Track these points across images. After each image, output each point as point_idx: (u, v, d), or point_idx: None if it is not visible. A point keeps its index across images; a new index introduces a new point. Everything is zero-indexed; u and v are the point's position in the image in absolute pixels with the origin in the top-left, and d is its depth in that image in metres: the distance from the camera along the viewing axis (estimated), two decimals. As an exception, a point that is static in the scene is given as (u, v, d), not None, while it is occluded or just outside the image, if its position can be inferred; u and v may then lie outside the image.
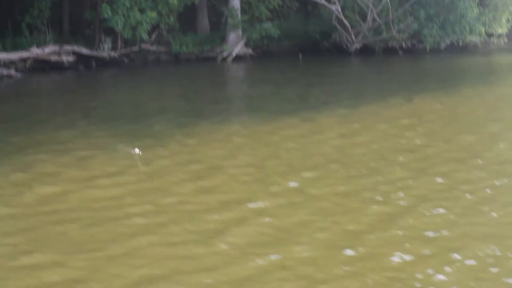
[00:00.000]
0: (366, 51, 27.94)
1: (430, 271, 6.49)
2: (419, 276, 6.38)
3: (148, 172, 10.06)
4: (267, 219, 7.88)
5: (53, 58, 23.04)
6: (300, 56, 26.48)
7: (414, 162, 10.38)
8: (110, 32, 24.08)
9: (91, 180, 9.58)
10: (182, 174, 9.87)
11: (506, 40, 31.22)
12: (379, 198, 8.63)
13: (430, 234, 7.41)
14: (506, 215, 8.00)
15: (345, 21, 27.53)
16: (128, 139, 12.10)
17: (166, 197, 8.77)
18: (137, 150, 10.95)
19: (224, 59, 26.09)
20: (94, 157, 10.91)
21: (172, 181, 9.54)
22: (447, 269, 6.51)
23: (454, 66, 25.09)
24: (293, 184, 9.27)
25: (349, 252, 6.96)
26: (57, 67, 23.04)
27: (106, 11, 23.09)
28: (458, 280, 6.30)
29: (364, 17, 27.91)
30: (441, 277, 6.37)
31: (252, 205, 8.36)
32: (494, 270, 6.52)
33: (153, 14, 23.97)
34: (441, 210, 8.12)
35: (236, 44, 26.46)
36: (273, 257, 6.82)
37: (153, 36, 25.46)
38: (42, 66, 22.93)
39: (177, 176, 9.74)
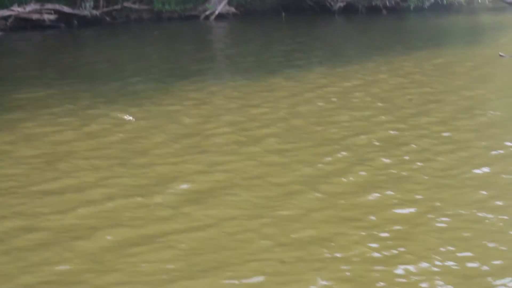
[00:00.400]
0: (349, 9, 27.90)
1: (353, 233, 6.62)
2: (340, 237, 6.53)
3: (116, 130, 10.32)
4: (202, 177, 8.18)
5: (35, 16, 23.08)
6: (283, 14, 26.51)
7: (357, 121, 10.63)
8: (92, -10, 24.12)
9: (57, 137, 9.90)
10: (147, 131, 10.20)
11: (491, -1, 31.24)
12: (320, 157, 8.88)
13: (366, 194, 7.59)
14: (455, 175, 8.23)
15: (329, -21, 27.52)
16: (103, 98, 12.38)
17: (127, 154, 9.09)
18: (130, 117, 11.06)
19: (207, 17, 26.15)
20: (65, 116, 11.14)
21: (137, 137, 9.88)
22: (371, 230, 6.67)
23: (437, 26, 25.12)
24: (233, 145, 9.51)
25: (276, 211, 7.16)
26: (39, 25, 23.07)
27: (87, -31, 23.10)
28: (382, 240, 6.49)
29: (348, -25, 27.86)
30: (364, 235, 6.54)
31: (189, 166, 8.61)
32: (417, 229, 6.69)
33: (135, -28, 23.95)
34: (378, 171, 8.36)
35: (219, 2, 26.46)
36: (200, 214, 7.10)
37: (136, -6, 25.49)
38: (23, 24, 22.98)
39: (143, 133, 10.09)
